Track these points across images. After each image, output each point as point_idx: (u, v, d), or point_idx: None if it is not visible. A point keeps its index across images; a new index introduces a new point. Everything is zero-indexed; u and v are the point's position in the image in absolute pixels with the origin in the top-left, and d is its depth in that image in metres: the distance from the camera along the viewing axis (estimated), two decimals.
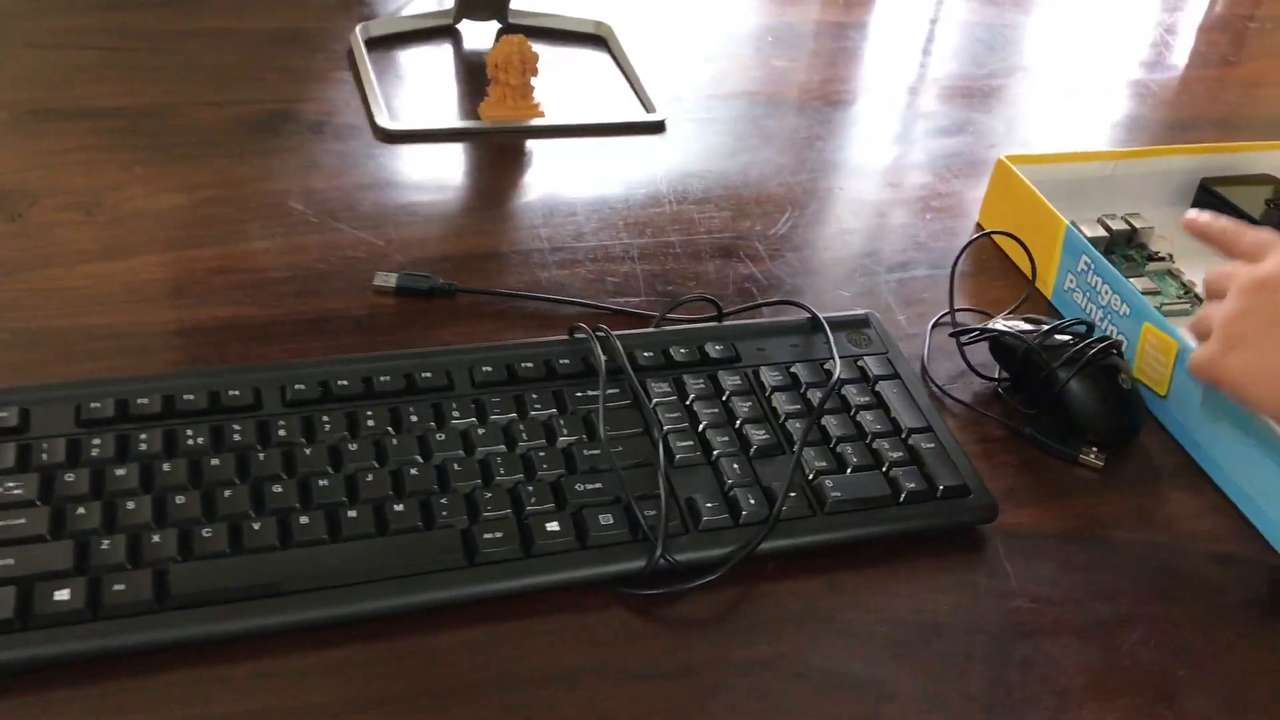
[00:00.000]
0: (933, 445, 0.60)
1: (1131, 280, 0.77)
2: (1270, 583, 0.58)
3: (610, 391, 0.60)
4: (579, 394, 0.59)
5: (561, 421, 0.58)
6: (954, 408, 0.67)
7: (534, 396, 0.59)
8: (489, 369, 0.60)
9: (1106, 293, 0.70)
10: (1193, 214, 0.62)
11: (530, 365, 0.60)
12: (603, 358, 0.60)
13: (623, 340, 0.63)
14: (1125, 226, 0.81)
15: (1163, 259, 0.80)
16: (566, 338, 0.63)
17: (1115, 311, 0.70)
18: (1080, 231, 0.80)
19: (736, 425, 0.60)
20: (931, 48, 1.12)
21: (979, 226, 0.83)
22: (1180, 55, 1.16)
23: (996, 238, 0.81)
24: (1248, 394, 0.53)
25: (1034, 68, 1.08)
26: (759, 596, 0.54)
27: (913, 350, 0.70)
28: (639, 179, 0.84)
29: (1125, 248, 0.81)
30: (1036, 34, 1.15)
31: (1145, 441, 0.65)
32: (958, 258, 0.74)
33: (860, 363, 0.65)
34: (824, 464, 0.58)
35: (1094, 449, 0.63)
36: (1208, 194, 0.84)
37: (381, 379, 0.58)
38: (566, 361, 0.61)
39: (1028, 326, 0.67)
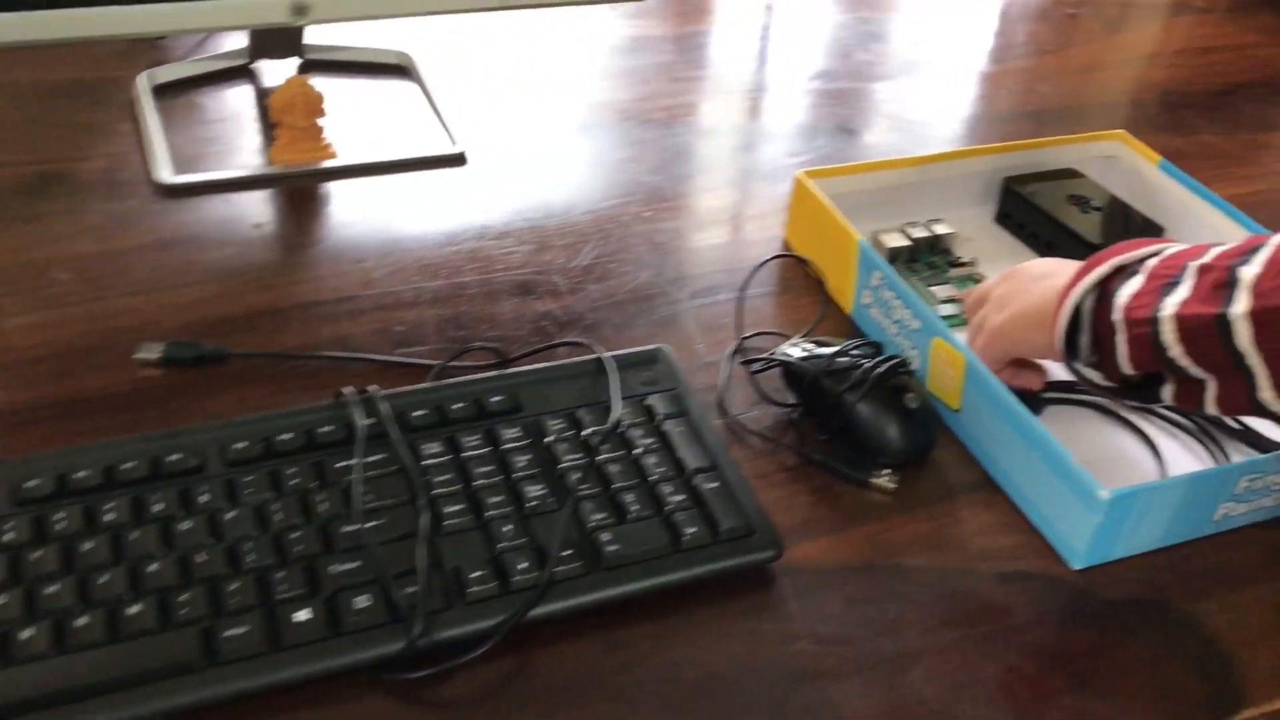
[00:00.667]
0: (716, 485, 0.58)
1: (934, 288, 0.77)
2: (1057, 598, 0.57)
3: (376, 458, 0.57)
4: (340, 464, 0.56)
5: (321, 497, 0.55)
6: (749, 439, 0.65)
7: (291, 471, 0.56)
8: (243, 444, 0.57)
9: (899, 307, 0.69)
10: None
11: (289, 436, 0.57)
12: (363, 422, 0.58)
13: (394, 399, 0.60)
14: (928, 234, 0.80)
15: (966, 264, 0.80)
16: (332, 402, 0.60)
17: (908, 326, 0.69)
18: (882, 243, 0.79)
19: (513, 483, 0.57)
20: (766, 52, 1.11)
21: (785, 245, 0.82)
22: (999, 47, 1.16)
23: (802, 254, 0.80)
24: (1017, 342, 0.63)
25: (857, 72, 1.07)
26: (532, 666, 0.52)
27: (710, 380, 0.69)
28: (437, 216, 0.81)
29: (929, 255, 0.80)
30: (862, 37, 1.14)
31: (939, 459, 0.65)
32: (745, 283, 0.72)
33: (647, 401, 0.63)
34: (602, 515, 0.56)
35: (886, 472, 0.62)
36: (1011, 194, 0.84)
37: (125, 466, 0.55)
38: (329, 429, 0.58)
39: (819, 350, 0.66)
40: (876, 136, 0.97)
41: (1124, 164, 0.88)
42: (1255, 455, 0.65)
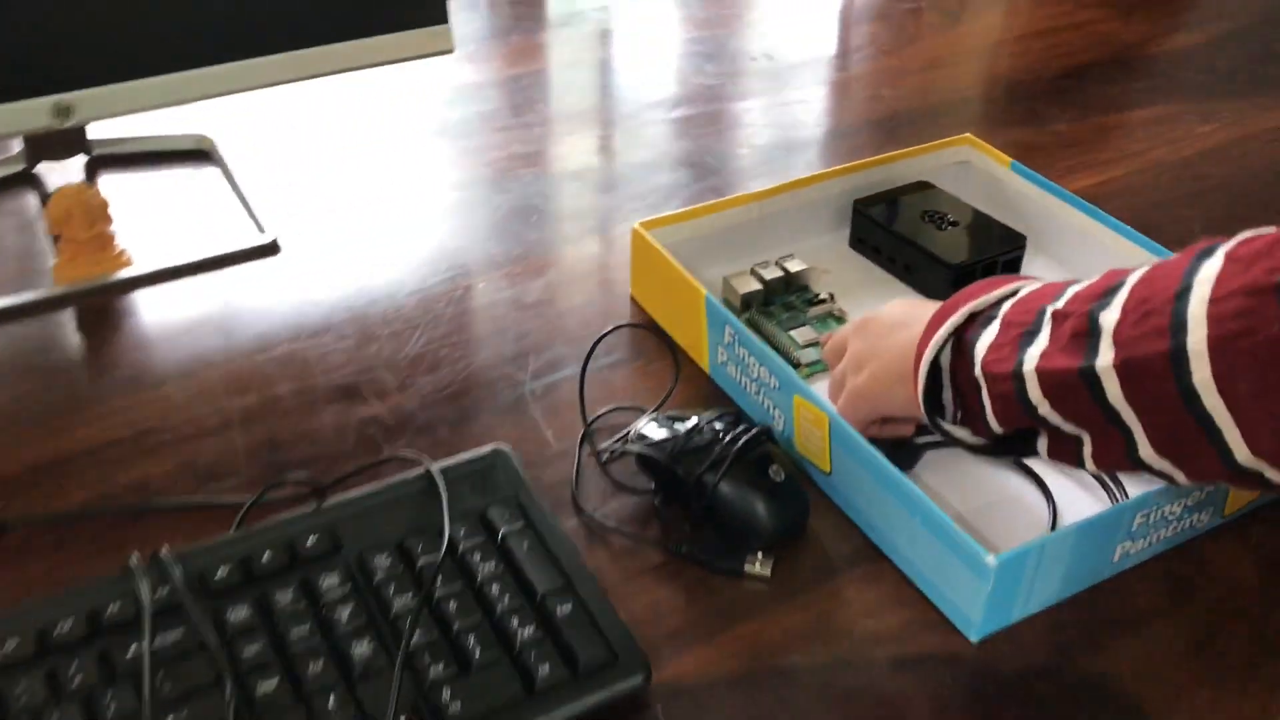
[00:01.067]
0: (571, 608, 0.52)
1: (794, 332, 0.72)
2: (957, 680, 0.52)
3: (172, 637, 0.49)
4: (130, 650, 0.49)
5: (108, 697, 0.47)
6: (609, 538, 0.59)
7: (72, 669, 0.48)
8: (13, 644, 0.48)
9: (755, 364, 0.64)
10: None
11: (68, 625, 0.49)
12: (152, 596, 0.50)
13: (190, 559, 0.52)
14: (780, 273, 0.75)
15: (824, 300, 0.75)
16: (117, 575, 0.52)
17: (767, 384, 0.63)
18: (734, 289, 0.74)
19: (335, 642, 0.50)
20: (609, 86, 1.05)
21: (632, 302, 0.76)
22: (841, 53, 1.12)
23: (650, 310, 0.74)
24: (880, 401, 0.57)
25: (702, 95, 1.02)
26: None
27: (565, 473, 0.62)
28: (247, 320, 0.73)
29: (785, 295, 0.75)
30: (702, 58, 1.09)
31: (817, 529, 0.59)
32: (586, 360, 0.66)
33: (487, 515, 0.56)
34: (442, 668, 0.49)
35: (758, 556, 0.57)
36: (862, 217, 0.80)
37: None
38: (115, 608, 0.50)
39: (676, 426, 0.60)
40: (728, 163, 0.92)
41: (976, 169, 0.84)
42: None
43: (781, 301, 0.74)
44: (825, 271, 0.78)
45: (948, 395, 0.52)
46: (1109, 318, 0.43)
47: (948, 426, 0.53)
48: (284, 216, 0.82)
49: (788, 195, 0.78)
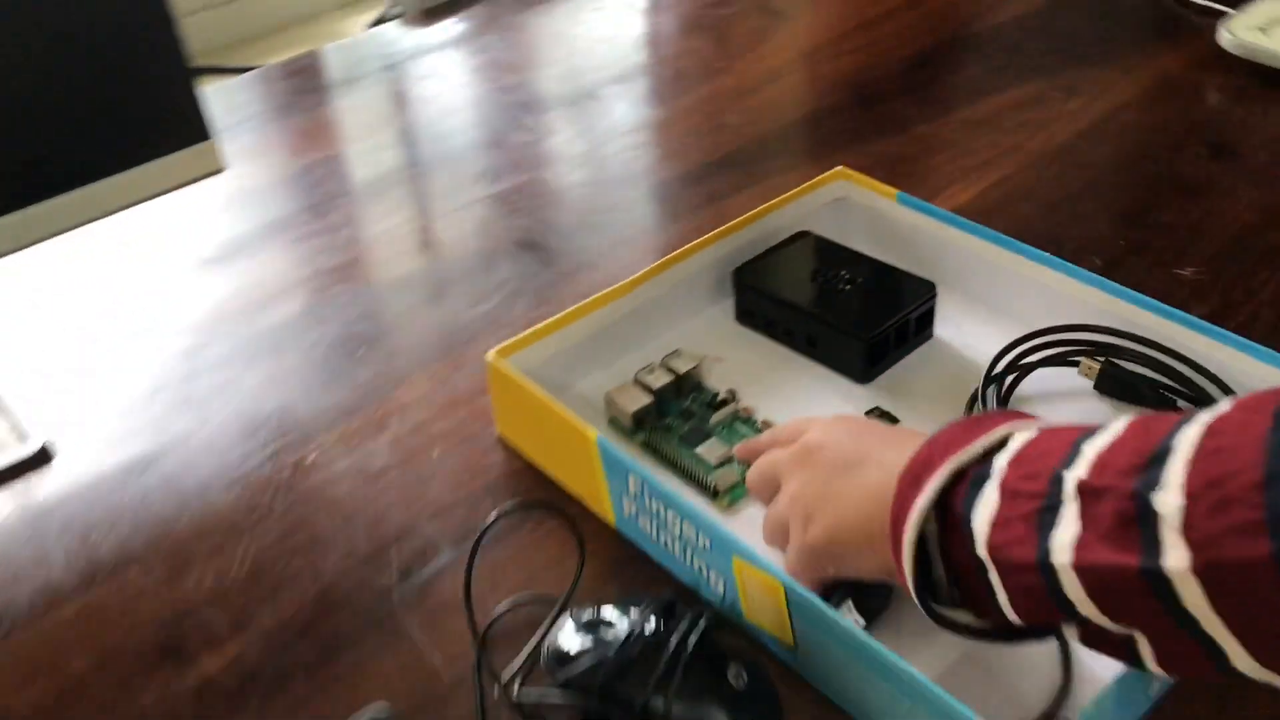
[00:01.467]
0: None
1: (701, 448, 0.60)
2: None
3: None
4: None
5: None
6: None
7: None
8: None
9: (674, 519, 0.52)
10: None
11: None
12: None
13: None
14: (669, 376, 0.63)
15: (725, 400, 0.63)
16: None
17: (695, 544, 0.51)
18: (621, 409, 0.62)
19: None
20: (415, 162, 0.91)
21: (502, 442, 0.63)
22: (664, 79, 1.01)
23: (524, 453, 0.61)
24: (843, 563, 0.47)
25: (523, 159, 0.89)
26: None
27: (465, 710, 0.49)
28: (15, 563, 0.57)
29: (679, 401, 0.63)
30: (513, 110, 0.96)
31: (790, 708, 0.48)
32: (471, 558, 0.52)
33: None
34: None
35: None
36: (746, 289, 0.68)
37: None
38: None
39: (603, 630, 0.47)
40: (574, 238, 0.79)
41: (857, 206, 0.74)
42: None
43: (677, 410, 0.63)
44: (718, 360, 0.66)
45: (939, 571, 0.41)
46: (1169, 501, 0.33)
47: (947, 613, 0.42)
48: (50, 413, 0.66)
49: (655, 281, 0.66)
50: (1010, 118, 0.90)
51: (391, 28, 1.10)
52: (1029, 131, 0.88)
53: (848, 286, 0.66)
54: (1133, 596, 0.34)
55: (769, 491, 0.52)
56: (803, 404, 0.63)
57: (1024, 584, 0.37)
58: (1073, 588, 0.35)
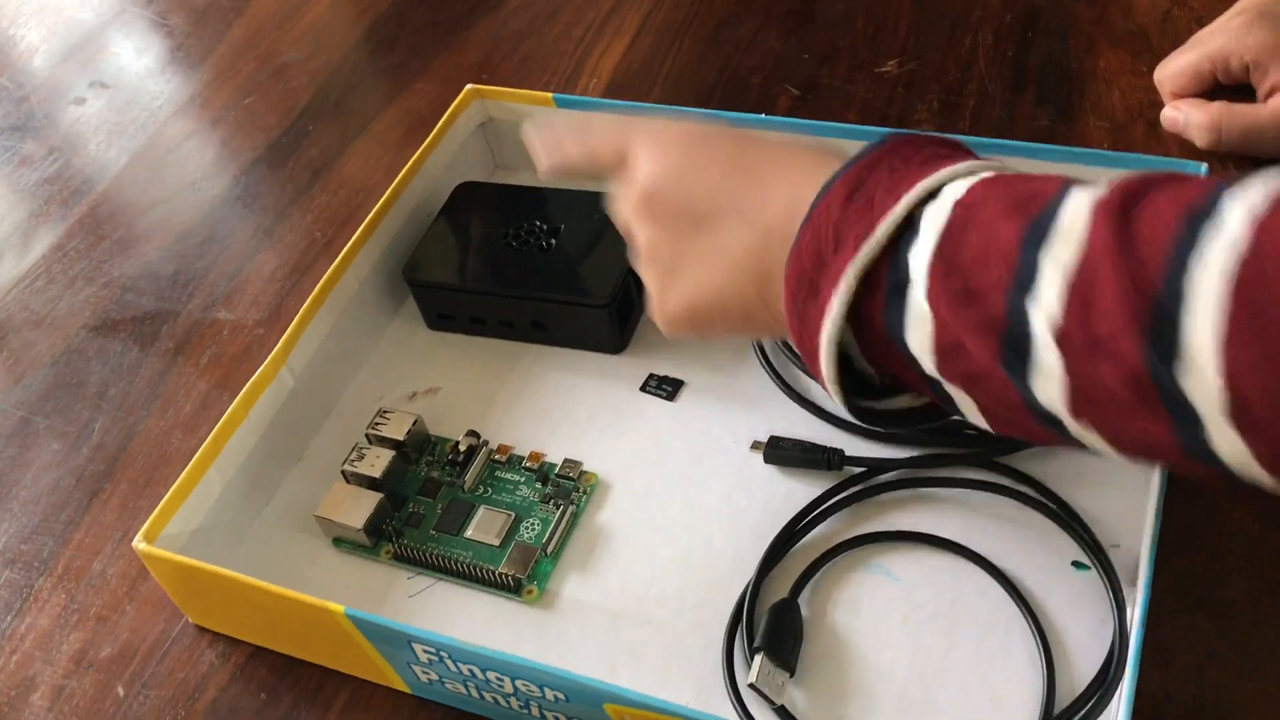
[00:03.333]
0: None
1: (470, 531, 0.45)
2: None
3: None
4: None
5: None
6: None
7: None
8: None
9: (504, 680, 0.37)
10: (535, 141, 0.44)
11: None
12: None
13: None
14: (384, 452, 0.46)
15: (472, 447, 0.47)
16: None
17: (545, 701, 0.37)
18: (341, 526, 0.45)
19: None
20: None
21: (202, 633, 0.44)
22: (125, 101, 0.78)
23: (247, 637, 0.43)
24: (714, 331, 0.40)
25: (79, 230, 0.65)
26: None
27: None
28: None
29: (414, 474, 0.47)
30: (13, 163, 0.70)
31: None
32: None
33: None
34: None
35: None
36: (424, 290, 0.52)
37: None
38: None
39: None
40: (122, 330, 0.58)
41: (507, 127, 0.58)
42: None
43: (415, 489, 0.46)
44: (432, 393, 0.50)
45: (863, 369, 0.36)
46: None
47: (880, 405, 0.36)
48: None
49: (301, 341, 0.48)
50: None
51: None
52: None
53: (550, 240, 0.51)
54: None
55: (627, 209, 0.41)
56: (561, 405, 0.49)
57: (1002, 400, 0.31)
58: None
